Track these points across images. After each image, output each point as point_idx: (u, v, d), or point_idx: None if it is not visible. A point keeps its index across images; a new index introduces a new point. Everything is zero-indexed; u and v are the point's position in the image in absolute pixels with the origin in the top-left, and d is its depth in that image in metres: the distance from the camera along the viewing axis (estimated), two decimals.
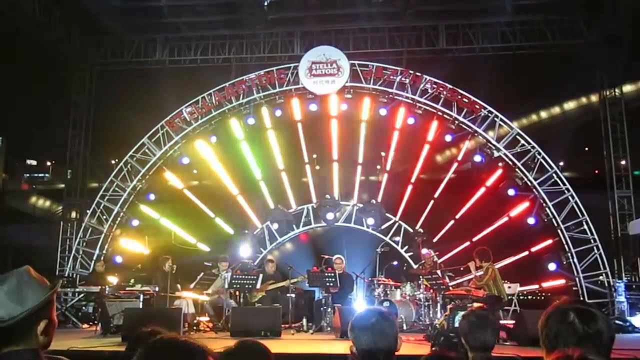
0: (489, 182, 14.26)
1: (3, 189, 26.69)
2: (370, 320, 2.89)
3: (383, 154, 14.93)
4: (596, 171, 15.85)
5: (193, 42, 16.36)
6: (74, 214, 16.57)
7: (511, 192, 13.96)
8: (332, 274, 10.91)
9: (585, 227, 13.57)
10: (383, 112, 14.69)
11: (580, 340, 2.30)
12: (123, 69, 16.83)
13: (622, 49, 14.63)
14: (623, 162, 14.95)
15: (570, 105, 17.83)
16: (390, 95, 14.70)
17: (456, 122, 14.35)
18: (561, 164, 15.01)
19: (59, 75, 16.99)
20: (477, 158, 14.34)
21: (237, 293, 11.72)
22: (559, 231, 13.61)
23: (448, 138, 14.47)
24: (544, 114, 17.91)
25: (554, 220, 13.66)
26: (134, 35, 16.17)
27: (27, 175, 31.20)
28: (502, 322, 10.62)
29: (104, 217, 15.15)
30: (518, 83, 14.21)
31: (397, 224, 14.63)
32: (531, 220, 13.82)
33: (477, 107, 14.20)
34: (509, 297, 11.00)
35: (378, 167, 15.08)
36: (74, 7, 14.95)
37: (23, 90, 14.49)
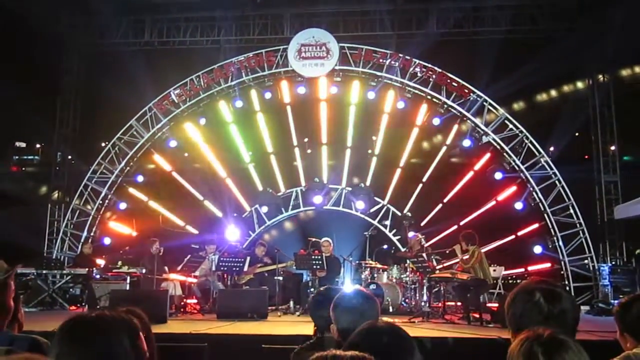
0: (477, 166, 14.33)
1: None
2: (351, 302, 2.93)
3: (374, 137, 14.91)
4: (586, 156, 15.88)
5: (182, 24, 16.13)
6: (62, 197, 16.50)
7: (498, 175, 14.00)
8: (319, 257, 10.99)
9: (572, 211, 13.65)
10: (372, 95, 14.65)
11: (545, 320, 2.32)
12: (111, 50, 16.62)
13: (612, 34, 14.59)
14: (613, 148, 14.97)
15: (560, 90, 17.80)
16: (380, 79, 14.65)
17: (445, 106, 14.34)
18: (551, 149, 15.03)
19: (47, 57, 16.78)
20: (467, 142, 14.35)
21: (225, 275, 11.78)
22: (545, 215, 13.69)
23: (436, 121, 14.45)
24: (533, 99, 17.88)
25: (540, 204, 13.73)
26: (122, 17, 15.98)
27: (17, 157, 31.01)
28: (487, 304, 10.78)
29: (92, 199, 15.11)
30: (508, 67, 14.14)
31: (385, 207, 14.67)
32: (519, 205, 13.87)
33: (466, 91, 14.17)
34: (494, 280, 11.12)
35: (369, 151, 15.04)
36: None
37: (10, 72, 14.30)
